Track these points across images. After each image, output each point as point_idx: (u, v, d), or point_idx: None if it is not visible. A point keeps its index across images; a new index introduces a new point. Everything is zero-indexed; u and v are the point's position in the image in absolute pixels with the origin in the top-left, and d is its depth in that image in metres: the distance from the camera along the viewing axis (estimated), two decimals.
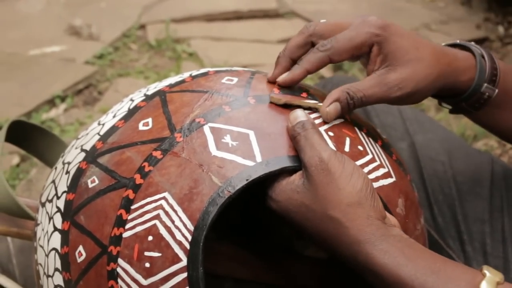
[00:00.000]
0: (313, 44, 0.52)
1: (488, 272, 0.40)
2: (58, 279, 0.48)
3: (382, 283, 0.41)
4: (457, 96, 0.57)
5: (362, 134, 0.52)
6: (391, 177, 0.51)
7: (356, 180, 0.44)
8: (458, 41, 0.60)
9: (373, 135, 0.54)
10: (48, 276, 0.50)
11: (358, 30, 0.51)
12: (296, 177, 0.45)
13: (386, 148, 0.54)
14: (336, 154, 0.45)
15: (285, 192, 0.45)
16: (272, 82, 0.53)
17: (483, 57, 0.57)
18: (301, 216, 0.45)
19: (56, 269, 0.49)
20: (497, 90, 0.56)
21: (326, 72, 1.76)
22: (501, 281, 0.40)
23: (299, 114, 0.47)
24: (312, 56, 0.51)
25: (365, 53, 0.51)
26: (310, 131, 0.46)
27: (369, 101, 0.51)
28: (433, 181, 0.74)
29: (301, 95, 0.52)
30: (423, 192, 0.74)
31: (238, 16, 2.22)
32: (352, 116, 0.53)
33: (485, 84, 0.56)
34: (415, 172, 0.74)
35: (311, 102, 0.51)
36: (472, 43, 0.59)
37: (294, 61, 0.52)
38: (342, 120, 0.51)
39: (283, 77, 0.51)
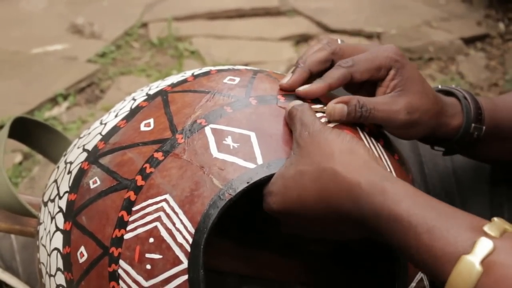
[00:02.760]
0: (332, 62, 0.53)
1: (497, 219, 0.38)
2: (60, 278, 0.48)
3: (383, 224, 0.40)
4: (448, 140, 0.59)
5: (363, 134, 0.52)
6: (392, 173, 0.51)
7: (345, 135, 0.45)
8: (439, 87, 0.62)
9: (375, 134, 0.54)
10: (50, 275, 0.50)
11: (378, 53, 0.52)
12: (288, 158, 0.46)
13: (388, 147, 0.54)
14: (324, 124, 0.46)
15: (280, 175, 0.45)
16: (287, 88, 0.52)
17: (466, 98, 0.59)
18: (299, 187, 0.44)
19: (58, 269, 0.49)
20: (484, 127, 0.59)
21: None
22: (510, 229, 0.37)
23: (297, 101, 0.49)
24: (336, 72, 0.51)
25: (382, 77, 0.53)
26: (306, 110, 0.47)
27: (377, 117, 0.51)
28: (433, 176, 0.74)
29: (306, 100, 0.52)
30: (424, 187, 0.74)
31: (240, 14, 2.21)
32: None
33: (473, 124, 0.58)
34: (416, 167, 0.75)
35: (317, 106, 0.51)
36: (453, 85, 0.62)
37: (312, 74, 0.53)
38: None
39: (305, 89, 0.51)
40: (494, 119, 0.61)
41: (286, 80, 0.53)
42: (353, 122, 0.51)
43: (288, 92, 0.52)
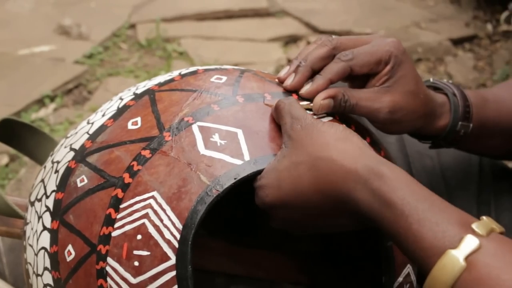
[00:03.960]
0: (333, 57, 0.53)
1: (486, 218, 0.38)
2: (48, 278, 0.48)
3: (376, 210, 0.40)
4: (435, 137, 0.60)
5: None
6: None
7: (338, 125, 0.45)
8: (431, 80, 0.62)
9: (362, 132, 0.54)
10: (37, 275, 0.50)
11: (379, 47, 0.52)
12: (280, 151, 0.46)
13: (375, 144, 0.55)
14: (316, 118, 0.46)
15: (272, 168, 0.45)
16: (292, 88, 0.52)
17: (455, 95, 0.59)
18: (293, 178, 0.44)
19: (45, 268, 0.49)
20: (471, 125, 0.59)
21: None
22: (497, 229, 0.38)
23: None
24: (335, 66, 0.51)
25: (382, 70, 0.52)
26: (293, 103, 0.48)
27: (359, 111, 0.52)
28: (421, 176, 0.75)
29: (292, 95, 0.52)
30: None
31: (229, 15, 2.22)
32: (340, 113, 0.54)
33: (460, 123, 0.59)
34: (403, 167, 0.75)
35: (304, 103, 0.51)
36: (444, 80, 0.62)
37: (314, 72, 0.52)
38: (331, 118, 0.52)
39: (307, 89, 0.51)
40: (482, 115, 0.61)
41: (290, 81, 0.52)
42: (340, 118, 0.52)
43: (275, 90, 0.53)
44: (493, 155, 0.70)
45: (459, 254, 0.36)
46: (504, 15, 1.72)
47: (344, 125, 0.46)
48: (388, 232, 0.40)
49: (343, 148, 0.43)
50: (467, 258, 0.35)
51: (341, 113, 0.52)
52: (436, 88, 0.61)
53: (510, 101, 0.65)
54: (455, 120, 0.58)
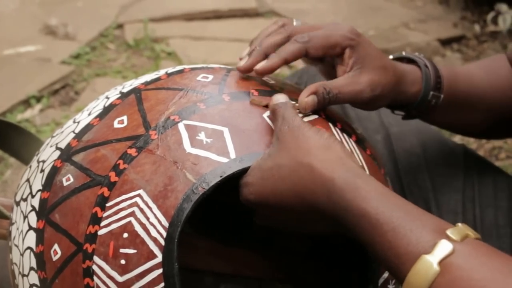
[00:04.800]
0: None
1: (462, 225, 0.39)
2: (34, 278, 0.48)
3: (352, 220, 0.41)
4: (408, 106, 0.62)
5: (336, 130, 0.53)
6: (364, 170, 0.51)
7: (323, 132, 0.46)
8: (403, 53, 0.64)
9: (347, 130, 0.55)
10: (23, 275, 0.50)
11: (333, 31, 0.54)
12: (267, 150, 0.47)
13: (360, 143, 0.55)
14: (305, 122, 0.47)
15: (257, 166, 0.46)
16: (244, 71, 0.54)
17: (426, 66, 0.62)
18: (275, 179, 0.45)
19: (31, 268, 0.48)
20: (442, 96, 0.62)
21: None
22: (473, 235, 0.38)
23: (282, 96, 0.50)
24: (290, 46, 0.53)
25: (337, 54, 0.54)
26: (288, 106, 0.48)
27: (344, 98, 0.53)
28: (407, 174, 0.76)
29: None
30: (398, 184, 0.75)
31: (217, 15, 2.22)
32: (327, 112, 0.54)
33: (431, 92, 0.61)
34: (390, 164, 0.76)
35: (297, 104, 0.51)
36: (416, 53, 0.64)
37: (267, 57, 0.54)
38: (316, 116, 0.52)
39: (261, 65, 0.52)
40: (453, 88, 0.63)
41: (243, 62, 0.54)
42: (326, 117, 0.53)
43: (262, 87, 0.53)
44: (458, 129, 0.72)
45: (433, 259, 0.36)
46: (490, 15, 1.74)
47: (329, 133, 0.46)
48: (365, 242, 0.41)
49: (324, 156, 0.44)
50: (441, 263, 0.36)
51: (327, 106, 0.53)
52: (410, 60, 0.63)
53: (479, 76, 0.67)
54: (427, 89, 0.60)
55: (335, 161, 0.43)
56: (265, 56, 0.53)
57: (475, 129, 0.71)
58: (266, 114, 0.50)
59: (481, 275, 0.35)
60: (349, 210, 0.41)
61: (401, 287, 0.38)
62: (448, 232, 0.38)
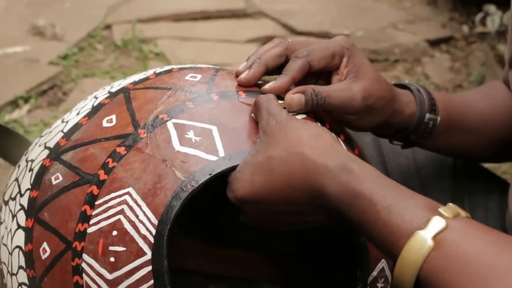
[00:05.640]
0: (287, 58, 0.54)
1: (452, 204, 0.40)
2: (22, 276, 0.48)
3: (345, 202, 0.41)
4: (405, 131, 0.62)
5: None
6: None
7: (311, 123, 0.47)
8: (392, 82, 0.64)
9: (336, 130, 0.55)
10: (12, 274, 0.50)
11: (330, 42, 0.55)
12: (254, 146, 0.47)
13: (349, 143, 0.56)
14: (291, 115, 0.48)
15: (246, 162, 0.46)
16: (246, 82, 0.53)
17: (419, 91, 0.62)
18: (266, 172, 0.45)
19: (20, 267, 0.48)
20: (439, 118, 0.61)
21: None
22: (464, 214, 0.39)
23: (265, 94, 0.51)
24: (294, 63, 0.53)
25: (337, 64, 0.54)
26: (271, 100, 0.49)
27: (333, 103, 0.53)
28: (396, 175, 0.76)
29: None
30: None
31: (205, 16, 2.22)
32: (315, 112, 0.55)
33: (427, 114, 0.61)
34: (379, 166, 0.76)
35: (280, 102, 0.52)
36: (406, 81, 0.64)
37: (268, 69, 0.54)
38: (305, 115, 0.52)
39: (271, 86, 0.52)
40: (449, 111, 0.63)
41: (244, 75, 0.53)
42: (314, 117, 0.53)
43: (249, 88, 0.54)
44: (462, 154, 0.71)
45: (426, 234, 0.37)
46: (479, 16, 1.76)
47: (318, 123, 0.46)
48: (358, 223, 0.41)
49: (315, 144, 0.44)
50: (434, 238, 0.37)
51: (315, 109, 0.52)
52: (401, 87, 0.63)
53: (476, 102, 0.67)
54: (422, 110, 0.60)
55: (327, 148, 0.44)
56: (266, 68, 0.54)
57: (481, 154, 0.70)
58: None
59: (475, 248, 0.36)
60: (343, 193, 0.41)
61: (395, 264, 0.39)
62: (441, 210, 0.39)
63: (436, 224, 0.37)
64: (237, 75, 0.55)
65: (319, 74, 0.56)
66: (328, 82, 0.56)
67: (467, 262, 0.36)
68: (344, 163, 0.42)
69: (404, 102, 0.60)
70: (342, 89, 0.53)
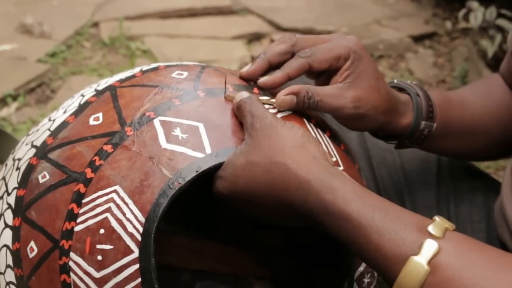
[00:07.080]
0: (293, 55, 0.54)
1: (438, 218, 0.40)
2: (10, 275, 0.48)
3: (332, 222, 0.41)
4: (400, 136, 0.61)
5: (310, 125, 0.53)
6: (339, 165, 0.52)
7: (297, 129, 0.46)
8: (395, 81, 0.63)
9: (322, 126, 0.55)
10: None
11: (338, 43, 0.53)
12: (239, 146, 0.47)
13: (335, 138, 0.56)
14: (276, 116, 0.47)
15: (230, 162, 0.46)
16: (246, 76, 0.54)
17: (418, 95, 0.61)
18: (248, 177, 0.45)
19: (7, 266, 0.48)
20: (435, 124, 0.61)
21: None
22: (450, 227, 0.39)
23: (244, 92, 0.50)
24: (294, 62, 0.52)
25: (342, 65, 0.53)
26: (254, 102, 0.48)
27: (324, 108, 0.52)
28: (382, 170, 0.76)
29: (253, 90, 0.53)
30: (372, 180, 0.76)
31: (192, 13, 2.21)
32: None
33: (423, 122, 0.60)
34: (364, 161, 0.76)
35: (264, 98, 0.52)
36: (408, 81, 0.63)
37: (271, 65, 0.54)
38: (290, 112, 0.53)
39: (264, 80, 0.52)
40: (446, 115, 0.62)
41: (246, 69, 0.54)
42: (301, 113, 0.53)
43: (237, 82, 0.54)
44: (458, 155, 0.72)
45: (421, 260, 0.37)
46: (462, 12, 1.77)
47: (304, 129, 0.46)
48: (347, 242, 0.41)
49: (298, 156, 0.44)
50: (429, 262, 0.37)
51: (304, 111, 0.52)
52: (400, 89, 0.62)
53: (473, 102, 0.67)
54: (418, 119, 0.60)
55: (310, 161, 0.43)
56: (268, 64, 0.53)
57: (477, 153, 0.70)
58: None
59: (471, 273, 0.37)
60: (328, 212, 0.41)
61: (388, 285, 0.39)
62: (430, 229, 0.39)
63: (429, 248, 0.38)
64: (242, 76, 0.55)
65: (323, 71, 0.55)
66: (330, 78, 0.55)
67: (464, 287, 0.36)
68: (326, 181, 0.42)
69: (401, 112, 0.59)
70: (335, 95, 0.52)
